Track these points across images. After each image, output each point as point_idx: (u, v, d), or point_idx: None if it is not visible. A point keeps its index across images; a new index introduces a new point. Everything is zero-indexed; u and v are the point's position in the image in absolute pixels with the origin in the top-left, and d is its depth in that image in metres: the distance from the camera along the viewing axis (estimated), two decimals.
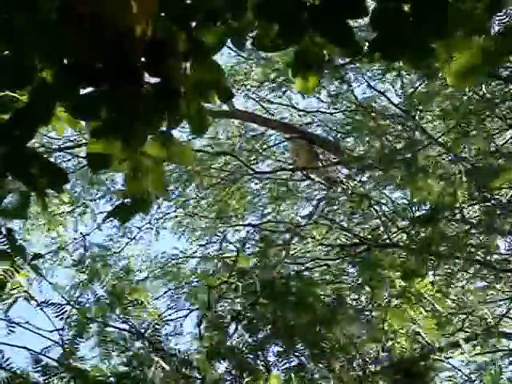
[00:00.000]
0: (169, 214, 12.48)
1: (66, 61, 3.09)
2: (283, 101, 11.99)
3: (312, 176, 11.05)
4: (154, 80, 3.07)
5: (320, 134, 11.49)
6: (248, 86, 11.73)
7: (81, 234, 11.80)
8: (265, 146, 12.13)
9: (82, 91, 3.09)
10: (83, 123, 3.38)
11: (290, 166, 11.50)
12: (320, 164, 10.86)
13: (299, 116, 12.01)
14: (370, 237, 8.58)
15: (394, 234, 8.49)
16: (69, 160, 12.18)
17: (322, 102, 11.34)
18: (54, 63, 3.08)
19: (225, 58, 11.16)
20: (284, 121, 12.01)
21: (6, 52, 3.12)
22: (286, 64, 3.18)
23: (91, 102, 3.08)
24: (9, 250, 4.76)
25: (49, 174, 3.04)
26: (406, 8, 3.04)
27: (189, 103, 3.05)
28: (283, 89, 11.56)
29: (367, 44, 3.15)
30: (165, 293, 10.68)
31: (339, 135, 11.18)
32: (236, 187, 11.82)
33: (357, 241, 8.52)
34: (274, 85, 11.51)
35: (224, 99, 3.17)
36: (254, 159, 11.99)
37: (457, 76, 3.10)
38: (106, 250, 11.07)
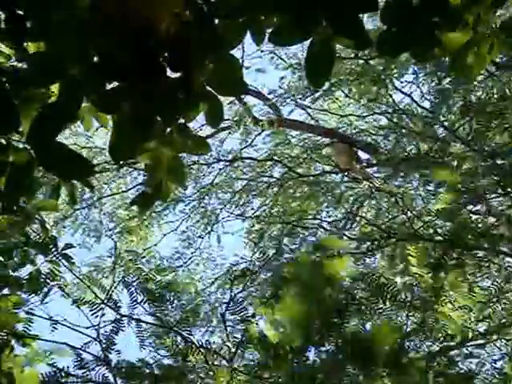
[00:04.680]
0: (225, 221, 12.76)
1: (94, 57, 3.28)
2: (326, 108, 12.32)
3: (352, 177, 11.27)
4: (175, 74, 3.24)
5: (360, 137, 11.73)
6: (295, 97, 12.04)
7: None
8: (309, 151, 12.40)
9: (108, 86, 3.28)
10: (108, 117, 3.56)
11: (333, 169, 11.75)
12: (360, 165, 11.12)
13: (340, 122, 12.29)
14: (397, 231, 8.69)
15: (421, 228, 8.58)
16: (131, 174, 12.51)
17: (365, 106, 11.59)
18: (83, 60, 3.26)
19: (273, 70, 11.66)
20: (326, 127, 12.31)
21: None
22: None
23: (116, 96, 3.25)
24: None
25: (75, 164, 3.22)
26: (415, 1, 3.17)
27: (206, 96, 3.20)
28: (325, 98, 11.89)
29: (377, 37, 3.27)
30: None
31: (378, 138, 11.40)
32: (282, 192, 12.09)
33: (385, 234, 8.63)
34: (316, 95, 11.81)
35: (238, 92, 3.31)
36: (300, 164, 12.26)
37: (463, 67, 3.22)
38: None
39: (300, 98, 12.00)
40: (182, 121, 3.22)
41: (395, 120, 10.98)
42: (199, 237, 12.87)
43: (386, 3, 3.22)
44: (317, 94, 11.80)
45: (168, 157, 3.19)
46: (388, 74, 10.67)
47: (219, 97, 3.21)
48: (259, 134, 12.28)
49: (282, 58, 12.06)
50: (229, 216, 12.65)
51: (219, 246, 12.78)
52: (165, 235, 12.97)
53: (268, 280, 7.26)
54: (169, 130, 3.21)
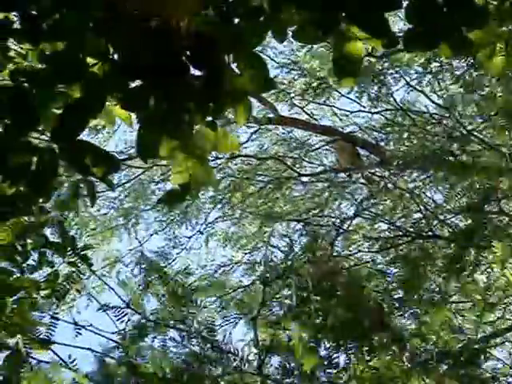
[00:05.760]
0: (216, 221, 12.66)
1: (115, 56, 3.27)
2: (325, 107, 12.27)
3: (354, 176, 11.23)
4: (199, 72, 3.23)
5: (361, 136, 11.66)
6: (292, 95, 11.97)
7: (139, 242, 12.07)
8: (309, 150, 12.33)
9: (131, 84, 3.27)
10: (132, 116, 3.54)
11: (334, 168, 11.69)
12: (362, 164, 11.06)
13: (341, 120, 12.23)
14: (412, 229, 8.67)
15: (436, 227, 8.57)
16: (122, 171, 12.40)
17: (363, 106, 11.56)
18: (105, 59, 3.25)
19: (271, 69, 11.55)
20: (326, 125, 12.25)
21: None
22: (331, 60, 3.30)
23: (140, 95, 3.24)
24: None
25: (101, 161, 3.21)
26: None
27: (232, 94, 3.19)
28: (325, 95, 11.84)
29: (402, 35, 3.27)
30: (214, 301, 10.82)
31: (380, 136, 11.36)
32: (281, 192, 12.00)
33: (400, 233, 8.62)
34: (316, 91, 11.75)
35: (266, 89, 3.31)
36: (299, 162, 12.18)
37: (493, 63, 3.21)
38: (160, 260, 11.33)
39: (299, 96, 11.94)
40: (209, 118, 3.20)
41: (400, 118, 10.94)
42: (188, 237, 12.73)
43: (410, 1, 3.22)
44: (317, 91, 11.72)
45: (196, 154, 3.18)
46: (394, 70, 10.64)
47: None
48: (255, 131, 12.19)
49: (271, 58, 11.94)
50: (224, 217, 12.55)
51: (209, 248, 12.65)
52: (152, 235, 12.84)
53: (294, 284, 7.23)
54: (197, 127, 3.20)
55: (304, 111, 12.24)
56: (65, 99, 3.37)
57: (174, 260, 12.02)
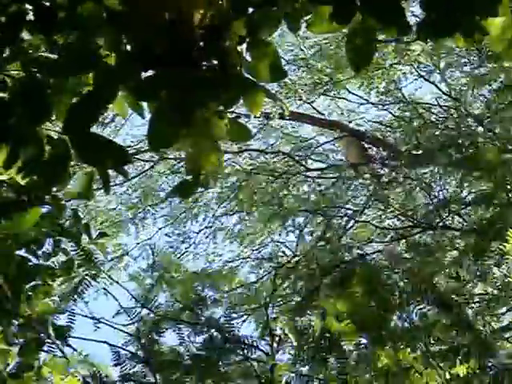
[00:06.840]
0: (224, 216, 12.64)
1: (128, 46, 3.26)
2: (333, 102, 12.24)
3: (362, 171, 11.19)
4: (211, 62, 3.22)
5: (369, 130, 11.61)
6: (300, 90, 11.93)
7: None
8: (316, 145, 12.30)
9: (143, 74, 3.26)
10: (144, 106, 3.54)
11: (342, 163, 11.66)
12: (369, 159, 11.03)
13: (348, 115, 12.20)
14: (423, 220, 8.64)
15: (447, 218, 8.53)
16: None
17: (371, 103, 11.53)
18: (118, 49, 3.24)
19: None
20: (334, 120, 12.21)
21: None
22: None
23: (152, 85, 3.24)
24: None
25: (113, 153, 3.21)
26: None
27: (244, 83, 3.18)
28: (333, 91, 11.82)
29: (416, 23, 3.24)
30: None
31: (387, 130, 11.32)
32: (289, 187, 11.97)
33: (411, 223, 8.59)
34: (325, 87, 11.73)
35: (278, 78, 3.30)
36: (307, 158, 12.13)
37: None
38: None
39: (307, 91, 11.90)
40: (221, 108, 3.19)
41: (409, 112, 10.90)
42: (196, 232, 12.72)
43: None
44: (326, 87, 11.69)
45: (207, 144, 3.17)
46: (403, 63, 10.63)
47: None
48: (264, 126, 12.13)
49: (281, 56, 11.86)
50: (232, 211, 12.51)
51: (215, 242, 12.61)
52: (160, 229, 12.84)
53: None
54: (208, 117, 3.19)
55: (312, 106, 12.23)
56: (78, 90, 3.37)
57: (182, 254, 12.09)
